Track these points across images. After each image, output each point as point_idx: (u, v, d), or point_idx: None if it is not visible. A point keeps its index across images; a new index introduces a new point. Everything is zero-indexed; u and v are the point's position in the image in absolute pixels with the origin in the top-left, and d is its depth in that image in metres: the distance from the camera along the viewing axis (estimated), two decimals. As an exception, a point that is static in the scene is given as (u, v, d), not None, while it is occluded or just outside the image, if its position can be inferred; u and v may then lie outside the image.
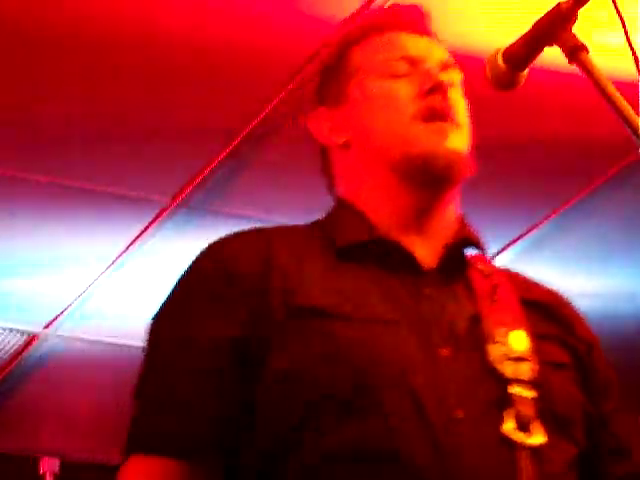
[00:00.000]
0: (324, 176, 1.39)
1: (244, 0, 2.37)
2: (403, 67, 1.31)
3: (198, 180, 2.93)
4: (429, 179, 1.25)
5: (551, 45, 1.09)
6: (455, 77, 1.31)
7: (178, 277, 1.27)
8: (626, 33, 1.05)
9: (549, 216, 3.17)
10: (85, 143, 2.77)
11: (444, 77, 1.28)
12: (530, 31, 1.12)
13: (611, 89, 1.05)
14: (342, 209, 1.32)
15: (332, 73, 1.38)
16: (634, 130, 1.01)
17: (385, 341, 1.19)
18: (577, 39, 1.08)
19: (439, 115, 1.26)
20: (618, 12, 1.06)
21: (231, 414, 1.19)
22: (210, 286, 1.25)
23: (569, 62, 1.07)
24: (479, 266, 1.31)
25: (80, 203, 3.01)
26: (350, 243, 1.27)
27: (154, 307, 1.25)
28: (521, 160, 2.78)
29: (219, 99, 2.64)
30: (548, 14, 1.09)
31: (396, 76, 1.31)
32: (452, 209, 1.30)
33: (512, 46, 1.15)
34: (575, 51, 1.07)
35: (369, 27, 1.40)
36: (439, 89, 1.26)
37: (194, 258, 1.28)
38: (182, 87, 2.62)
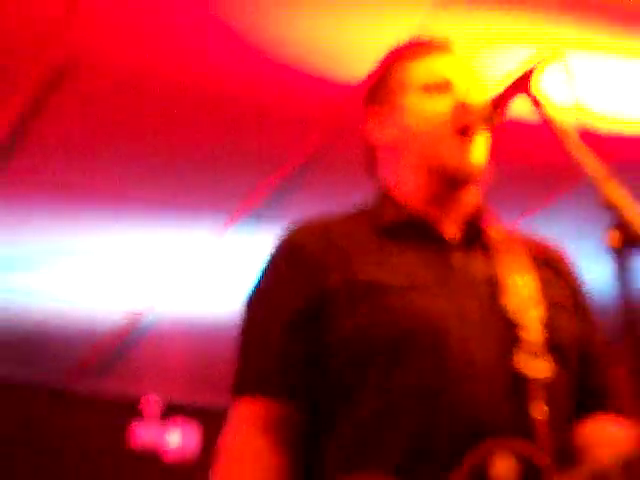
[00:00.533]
0: (368, 172, 1.72)
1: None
2: (439, 87, 1.63)
3: (261, 194, 3.70)
4: (456, 182, 1.61)
5: (519, 94, 1.50)
6: (478, 97, 1.60)
7: (263, 263, 1.62)
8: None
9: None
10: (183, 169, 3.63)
11: (470, 99, 1.58)
12: (505, 88, 1.52)
13: (559, 127, 1.45)
14: (385, 198, 1.65)
15: (381, 83, 1.70)
16: (573, 158, 1.40)
17: (425, 302, 1.51)
18: (539, 92, 1.48)
19: (467, 132, 1.57)
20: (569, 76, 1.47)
21: (312, 362, 1.51)
22: (284, 269, 1.59)
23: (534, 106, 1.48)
24: (493, 233, 1.64)
25: (177, 206, 3.84)
26: (393, 224, 1.60)
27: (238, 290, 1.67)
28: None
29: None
30: (519, 77, 1.49)
31: (434, 93, 1.62)
32: (471, 196, 1.64)
33: (495, 96, 1.54)
34: (535, 100, 1.48)
35: (411, 48, 1.71)
36: (467, 110, 1.57)
37: (273, 247, 1.62)
38: (245, 133, 3.45)
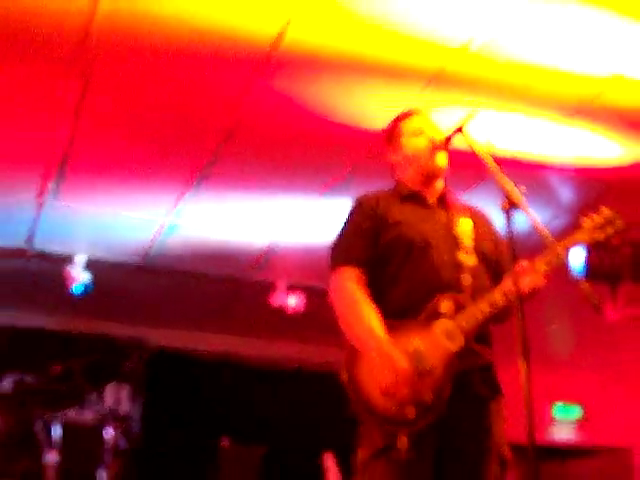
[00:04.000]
0: (391, 173, 3.13)
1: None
2: (419, 132, 3.04)
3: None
4: (432, 176, 3.03)
5: (458, 133, 2.88)
6: (438, 134, 2.99)
7: (347, 213, 3.03)
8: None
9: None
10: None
11: (437, 136, 2.98)
12: (451, 130, 2.90)
13: (478, 150, 2.83)
14: (399, 184, 3.08)
15: (391, 133, 3.14)
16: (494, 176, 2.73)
17: (420, 229, 2.90)
18: (467, 133, 2.84)
19: (437, 151, 2.97)
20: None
21: (372, 252, 2.89)
22: (358, 211, 3.00)
23: (465, 140, 2.87)
24: (452, 200, 3.05)
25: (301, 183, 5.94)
26: (405, 194, 3.02)
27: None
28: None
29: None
30: (457, 125, 2.84)
31: (417, 136, 3.04)
32: (440, 182, 3.04)
33: (446, 134, 2.94)
34: (466, 137, 2.85)
35: (404, 114, 3.14)
36: (438, 144, 2.97)
37: (351, 204, 3.03)
38: (323, 153, 5.45)
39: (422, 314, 2.78)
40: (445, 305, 2.79)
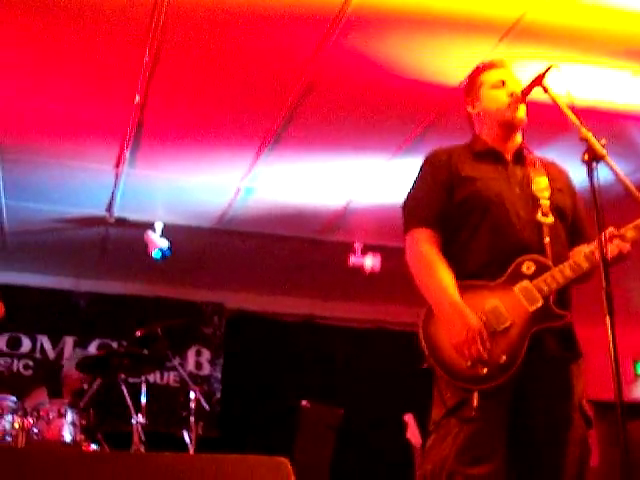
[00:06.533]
0: (470, 126, 3.06)
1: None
2: (500, 84, 2.96)
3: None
4: (510, 128, 2.95)
5: (537, 86, 2.82)
6: (518, 87, 2.92)
7: (418, 170, 2.99)
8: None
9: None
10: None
11: (517, 90, 2.92)
12: (530, 83, 2.83)
13: (558, 102, 2.75)
14: (476, 139, 3.00)
15: (471, 85, 3.06)
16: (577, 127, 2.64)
17: (496, 185, 2.86)
18: (547, 85, 2.77)
19: (517, 103, 2.91)
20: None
21: (446, 206, 2.85)
22: (430, 165, 2.95)
23: (544, 92, 2.80)
24: (529, 156, 2.98)
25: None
26: (478, 150, 2.95)
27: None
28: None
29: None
30: (537, 77, 2.78)
31: (498, 88, 2.96)
32: (518, 136, 2.97)
33: (525, 86, 2.87)
34: (545, 89, 2.78)
35: (485, 65, 3.06)
36: (516, 96, 2.91)
37: (422, 160, 2.99)
38: (399, 112, 5.28)
39: (504, 275, 2.77)
40: (527, 266, 2.77)
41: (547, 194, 2.90)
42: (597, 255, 2.54)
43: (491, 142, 2.99)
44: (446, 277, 2.78)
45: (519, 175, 2.94)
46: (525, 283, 2.75)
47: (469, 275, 2.80)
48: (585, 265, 2.74)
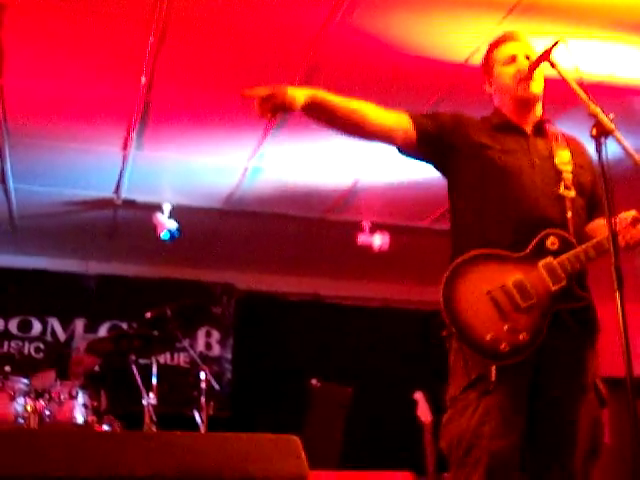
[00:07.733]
0: (490, 101, 3.02)
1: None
2: (511, 60, 2.92)
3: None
4: (527, 103, 2.92)
5: (545, 60, 2.79)
6: (533, 56, 2.86)
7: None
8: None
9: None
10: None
11: (527, 64, 2.86)
12: (538, 57, 2.81)
13: (565, 77, 2.72)
14: (496, 112, 2.98)
15: (486, 62, 3.01)
16: (585, 103, 2.60)
17: (514, 156, 2.82)
18: (555, 59, 2.76)
19: (527, 80, 2.86)
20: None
21: (435, 133, 2.91)
22: (450, 115, 2.95)
23: (552, 67, 2.78)
24: (550, 129, 2.95)
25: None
26: (498, 123, 2.93)
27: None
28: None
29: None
30: (545, 51, 2.75)
31: (508, 64, 2.92)
32: (536, 109, 2.94)
33: (534, 60, 2.84)
34: (553, 64, 2.76)
35: (497, 40, 3.03)
36: (526, 70, 2.86)
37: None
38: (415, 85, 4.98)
39: (528, 249, 2.74)
40: (552, 242, 2.74)
41: (570, 168, 2.87)
42: (609, 233, 2.49)
43: (510, 116, 2.96)
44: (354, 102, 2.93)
45: (541, 148, 2.91)
46: (549, 259, 2.72)
47: (488, 243, 2.76)
48: (607, 245, 2.66)
